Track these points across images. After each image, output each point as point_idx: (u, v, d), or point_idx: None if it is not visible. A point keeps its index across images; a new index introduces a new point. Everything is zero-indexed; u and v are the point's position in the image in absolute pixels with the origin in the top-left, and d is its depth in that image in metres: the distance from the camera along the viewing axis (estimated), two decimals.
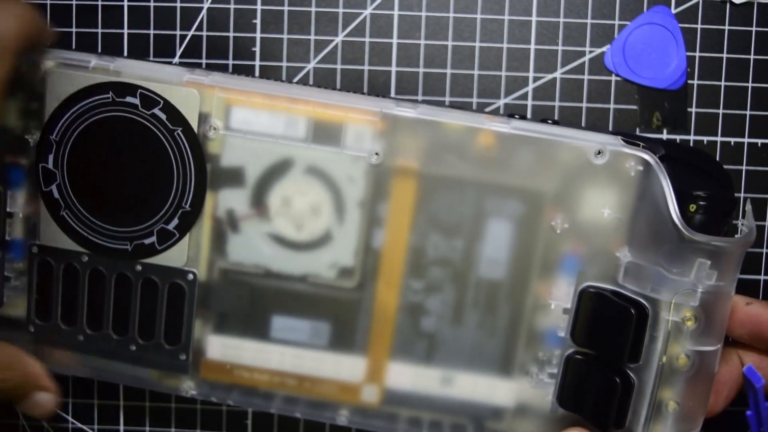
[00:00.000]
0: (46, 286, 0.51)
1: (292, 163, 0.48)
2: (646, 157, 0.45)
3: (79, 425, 0.62)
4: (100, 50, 0.58)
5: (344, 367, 0.50)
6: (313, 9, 0.57)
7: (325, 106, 0.47)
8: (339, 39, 0.57)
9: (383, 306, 0.49)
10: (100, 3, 0.58)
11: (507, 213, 0.47)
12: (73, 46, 0.58)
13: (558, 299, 0.47)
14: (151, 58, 0.53)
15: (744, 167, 0.57)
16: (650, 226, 0.45)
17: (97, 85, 0.47)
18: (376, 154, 0.47)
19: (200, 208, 0.48)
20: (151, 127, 0.47)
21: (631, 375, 0.46)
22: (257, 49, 0.57)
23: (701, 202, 0.46)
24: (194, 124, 0.47)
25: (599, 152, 0.45)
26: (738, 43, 0.56)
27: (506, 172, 0.46)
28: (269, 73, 0.58)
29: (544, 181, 0.46)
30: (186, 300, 0.50)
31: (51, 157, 0.48)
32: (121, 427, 0.62)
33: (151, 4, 0.57)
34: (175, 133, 0.47)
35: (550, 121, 0.49)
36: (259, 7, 0.57)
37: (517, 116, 0.49)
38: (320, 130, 0.47)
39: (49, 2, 0.58)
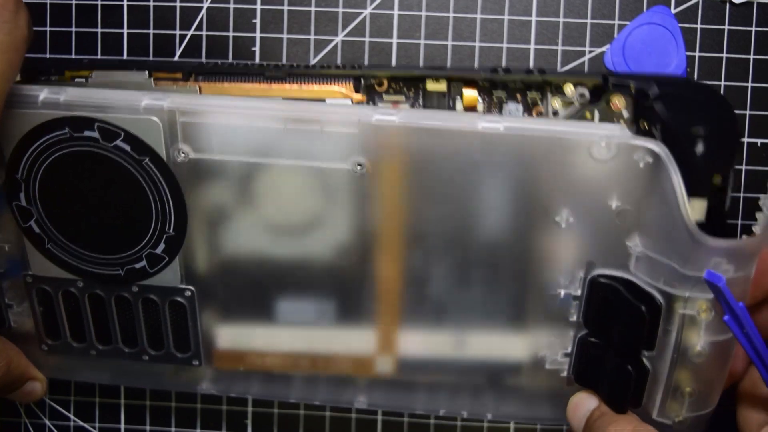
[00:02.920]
0: (49, 310, 0.51)
1: (275, 154, 0.45)
2: (656, 148, 0.41)
3: (81, 423, 0.62)
4: (100, 50, 0.58)
5: (355, 342, 0.50)
6: (313, 9, 0.57)
7: (300, 121, 0.44)
8: (339, 39, 0.57)
9: (386, 277, 0.48)
10: (100, 3, 0.58)
11: (505, 194, 0.45)
12: (73, 46, 0.58)
13: (566, 287, 0.47)
14: (116, 72, 0.50)
15: (744, 167, 0.57)
16: (661, 221, 0.42)
17: (51, 121, 0.45)
18: (360, 165, 0.44)
19: (185, 231, 0.47)
20: (117, 158, 0.45)
21: (646, 363, 0.45)
22: (257, 48, 0.58)
23: (704, 139, 0.44)
24: (161, 152, 0.45)
25: (605, 146, 0.42)
26: (738, 43, 0.56)
27: (502, 171, 0.44)
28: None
29: (545, 178, 0.44)
30: (188, 315, 0.50)
31: (22, 195, 0.47)
32: (122, 426, 0.62)
33: (151, 3, 0.58)
34: (143, 163, 0.45)
35: (536, 71, 0.49)
36: (259, 6, 0.57)
37: (500, 69, 0.49)
38: (296, 142, 0.45)
39: (49, 2, 0.58)
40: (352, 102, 0.49)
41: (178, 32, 0.58)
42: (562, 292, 0.47)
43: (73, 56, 0.58)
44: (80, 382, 0.61)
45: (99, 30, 0.58)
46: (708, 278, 0.41)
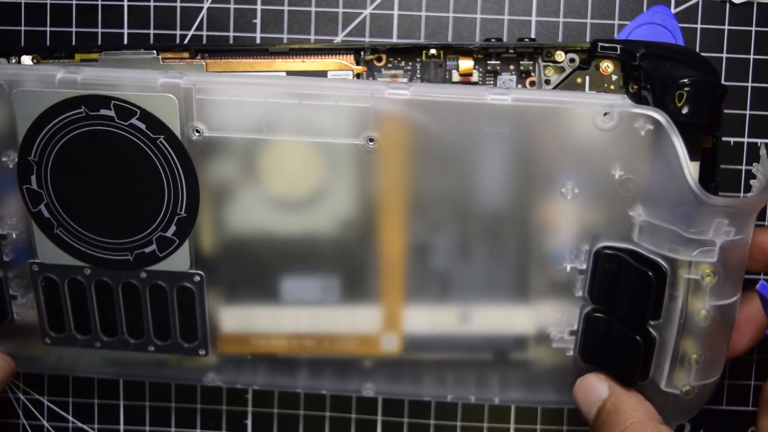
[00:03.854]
0: (54, 300, 0.50)
1: (280, 125, 0.46)
2: (657, 116, 0.43)
3: (80, 424, 0.62)
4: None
5: (360, 319, 0.50)
6: (313, 9, 0.57)
7: (313, 97, 0.45)
8: (339, 39, 0.57)
9: (390, 252, 0.48)
10: (100, 3, 0.58)
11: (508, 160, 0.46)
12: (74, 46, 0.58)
13: (572, 261, 0.47)
14: (125, 51, 0.50)
15: (743, 167, 0.57)
16: (664, 186, 0.44)
17: (66, 101, 0.45)
18: (371, 140, 0.46)
19: (196, 212, 0.47)
20: (132, 137, 0.46)
21: (652, 332, 0.46)
22: None
23: (687, 89, 0.44)
24: (176, 130, 0.45)
25: (606, 114, 0.43)
26: (738, 43, 0.56)
27: (508, 143, 0.45)
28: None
29: (550, 149, 0.45)
30: (196, 301, 0.50)
31: (33, 178, 0.47)
32: (121, 427, 0.62)
33: (151, 3, 0.58)
34: (158, 141, 0.46)
35: (527, 39, 0.49)
36: (259, 7, 0.57)
37: (493, 39, 0.50)
38: (308, 118, 0.45)
39: (49, 2, 0.58)
40: (353, 74, 0.50)
41: (178, 32, 0.58)
42: (568, 267, 0.47)
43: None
44: (79, 383, 0.61)
45: (99, 30, 0.58)
46: (760, 290, 0.44)
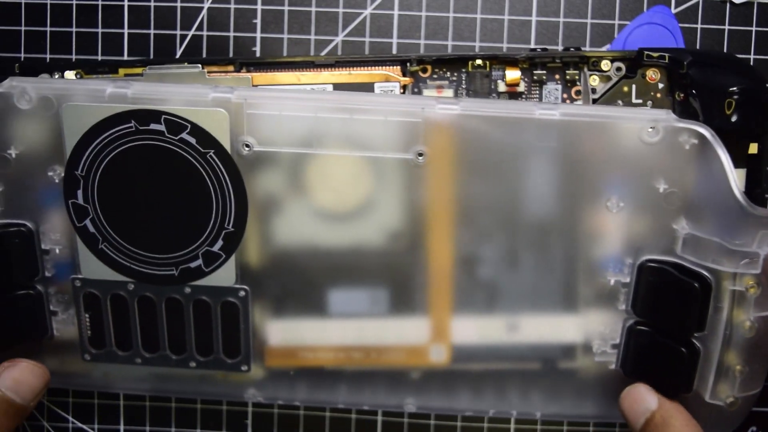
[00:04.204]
0: (95, 316, 0.50)
1: (329, 139, 0.46)
2: (702, 130, 0.44)
3: (80, 425, 0.62)
4: (100, 51, 0.58)
5: (408, 331, 0.50)
6: (313, 9, 0.57)
7: (363, 112, 0.45)
8: (339, 39, 0.57)
9: (438, 262, 0.48)
10: (100, 3, 0.57)
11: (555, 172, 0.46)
12: (74, 47, 0.57)
13: (616, 275, 0.47)
14: (170, 66, 0.52)
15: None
16: (709, 199, 0.44)
17: (116, 115, 0.45)
18: (420, 155, 0.46)
19: (244, 227, 0.47)
20: (181, 152, 0.46)
21: (697, 344, 0.46)
22: (257, 49, 0.57)
23: (736, 97, 0.46)
24: (226, 145, 0.46)
25: (652, 129, 0.44)
26: (738, 43, 0.56)
27: (556, 156, 0.46)
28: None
29: (596, 163, 0.45)
30: (240, 316, 0.49)
31: (80, 193, 0.47)
32: (122, 427, 0.61)
33: (152, 3, 0.57)
34: (208, 156, 0.46)
35: (573, 48, 0.50)
36: (259, 7, 0.57)
37: (539, 48, 0.51)
38: (357, 133, 0.46)
39: (49, 2, 0.57)
40: (400, 85, 0.50)
41: (178, 32, 0.57)
42: (612, 280, 0.47)
43: (74, 57, 0.57)
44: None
45: (99, 30, 0.57)
46: None
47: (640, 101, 0.49)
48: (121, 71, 0.50)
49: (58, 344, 0.51)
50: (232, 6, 0.57)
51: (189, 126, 0.45)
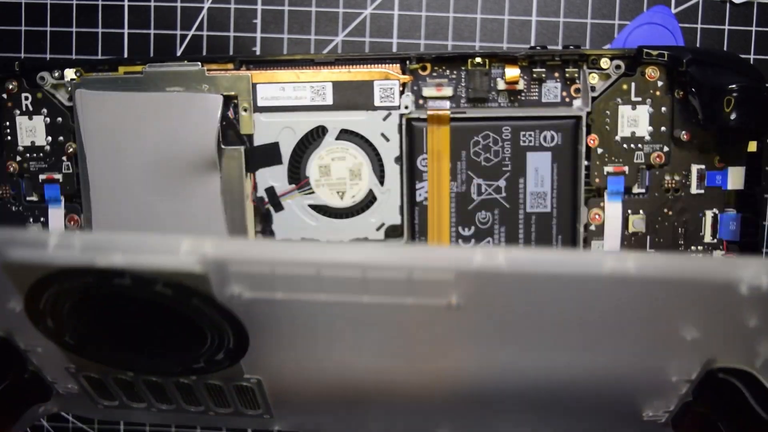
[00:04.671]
0: (99, 387, 0.45)
1: (351, 290, 0.35)
2: None
3: (80, 425, 0.62)
4: (100, 51, 0.58)
5: None
6: (313, 9, 0.57)
7: (379, 269, 0.34)
8: (339, 39, 0.57)
9: None
10: (100, 3, 0.58)
11: None
12: (74, 46, 0.58)
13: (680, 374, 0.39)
14: (170, 64, 0.49)
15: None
16: None
17: (66, 273, 0.35)
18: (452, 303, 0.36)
19: (246, 346, 0.39)
20: (158, 300, 0.36)
21: None
22: (257, 49, 0.57)
23: (736, 95, 0.45)
24: (211, 293, 0.35)
25: (756, 287, 0.32)
26: (738, 43, 0.56)
27: (625, 317, 0.36)
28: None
29: (677, 325, 0.36)
30: (257, 395, 0.44)
31: (49, 321, 0.38)
32: (122, 427, 0.62)
33: (152, 3, 0.57)
34: (191, 302, 0.36)
35: (572, 47, 0.50)
36: (259, 7, 0.57)
37: (538, 47, 0.50)
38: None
39: (49, 2, 0.57)
40: (399, 83, 0.49)
41: (179, 32, 0.57)
42: (674, 378, 0.40)
43: (74, 56, 0.58)
44: None
45: (99, 30, 0.58)
46: None
47: (639, 99, 0.49)
48: (121, 69, 0.50)
49: (66, 398, 0.47)
50: (232, 6, 0.57)
51: (161, 281, 0.35)
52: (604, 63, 0.49)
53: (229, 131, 0.49)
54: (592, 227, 0.50)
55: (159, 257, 0.34)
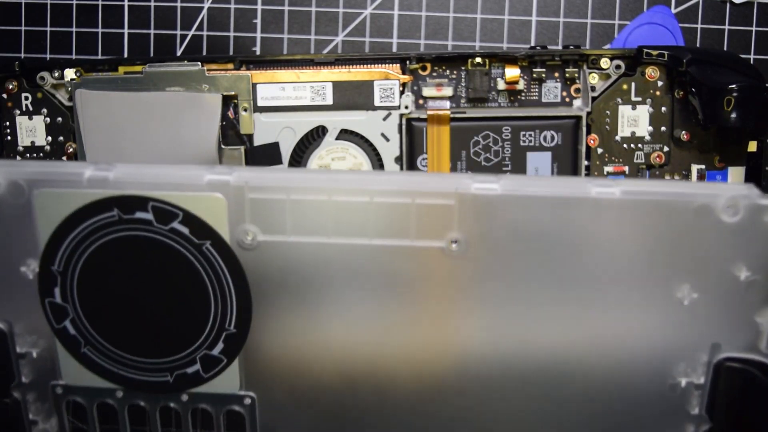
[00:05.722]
0: (80, 427, 0.46)
1: (356, 233, 0.38)
2: None
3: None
4: (100, 50, 0.58)
5: None
6: (313, 9, 0.57)
7: (386, 194, 0.38)
8: (339, 39, 0.57)
9: (478, 367, 0.41)
10: (100, 3, 0.58)
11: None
12: (74, 46, 0.58)
13: (687, 375, 0.40)
14: (170, 64, 0.50)
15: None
16: None
17: (96, 202, 0.38)
18: (454, 242, 0.38)
19: (248, 327, 0.40)
20: (173, 243, 0.38)
21: None
22: (257, 49, 0.57)
23: (736, 95, 0.45)
24: (225, 235, 0.38)
25: (730, 208, 0.37)
26: (738, 43, 0.56)
27: (615, 241, 0.38)
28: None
29: (664, 248, 0.38)
30: (247, 426, 0.43)
31: (57, 291, 0.40)
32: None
33: (152, 3, 0.57)
34: (203, 248, 0.38)
35: (572, 47, 0.50)
36: (259, 7, 0.57)
37: (538, 47, 0.50)
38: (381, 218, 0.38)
39: (49, 2, 0.57)
40: (399, 83, 0.49)
41: (179, 32, 0.57)
42: (683, 381, 0.40)
43: (74, 56, 0.58)
44: None
45: (99, 30, 0.58)
46: None
47: (639, 99, 0.49)
48: (121, 69, 0.50)
49: None
50: (232, 6, 0.57)
51: (181, 214, 0.38)
52: (604, 63, 0.49)
53: (229, 131, 0.49)
54: None
55: (182, 185, 0.37)
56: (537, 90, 0.50)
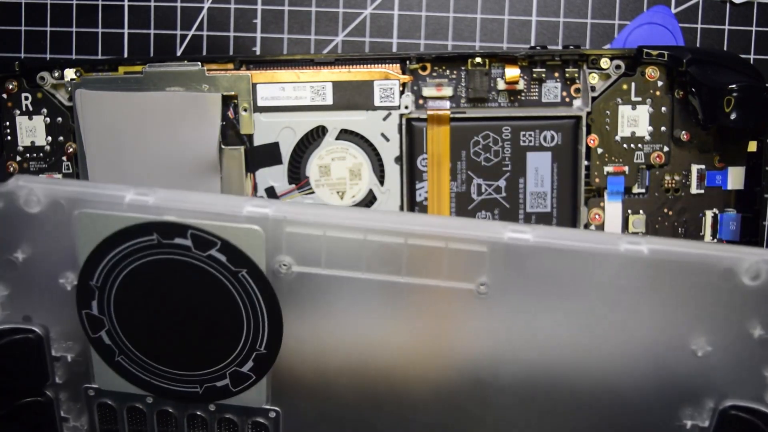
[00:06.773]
0: (110, 428, 0.46)
1: (390, 270, 0.40)
2: None
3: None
4: (100, 50, 0.58)
5: None
6: (313, 9, 0.57)
7: (421, 237, 0.39)
8: (339, 39, 0.57)
9: (502, 398, 0.42)
10: (100, 3, 0.58)
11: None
12: (74, 46, 0.58)
13: (693, 418, 0.41)
14: (170, 64, 0.49)
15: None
16: None
17: (136, 226, 0.39)
18: (482, 285, 0.40)
19: (278, 349, 0.41)
20: (210, 269, 0.40)
21: None
22: (257, 49, 0.57)
23: (736, 95, 0.45)
24: (261, 264, 0.40)
25: (752, 271, 0.38)
26: (738, 43, 0.56)
27: (638, 294, 0.40)
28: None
29: (685, 303, 0.39)
30: None
31: (95, 304, 0.41)
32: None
33: (152, 3, 0.57)
34: (239, 275, 0.40)
35: (572, 47, 0.49)
36: (259, 7, 0.57)
37: (538, 47, 0.50)
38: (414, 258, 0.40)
39: (49, 2, 0.57)
40: (399, 83, 0.49)
41: (179, 32, 0.57)
42: (689, 423, 0.41)
43: (74, 56, 0.58)
44: None
45: (99, 30, 0.58)
46: None
47: (639, 99, 0.49)
48: (121, 69, 0.50)
49: None
50: (232, 6, 0.57)
51: (219, 243, 0.39)
52: (604, 63, 0.49)
53: (229, 131, 0.49)
54: (592, 227, 0.50)
55: (221, 215, 0.39)
56: (537, 90, 0.50)
